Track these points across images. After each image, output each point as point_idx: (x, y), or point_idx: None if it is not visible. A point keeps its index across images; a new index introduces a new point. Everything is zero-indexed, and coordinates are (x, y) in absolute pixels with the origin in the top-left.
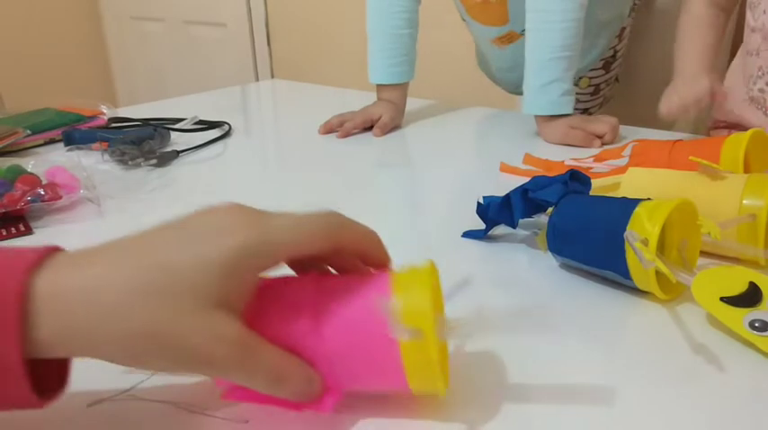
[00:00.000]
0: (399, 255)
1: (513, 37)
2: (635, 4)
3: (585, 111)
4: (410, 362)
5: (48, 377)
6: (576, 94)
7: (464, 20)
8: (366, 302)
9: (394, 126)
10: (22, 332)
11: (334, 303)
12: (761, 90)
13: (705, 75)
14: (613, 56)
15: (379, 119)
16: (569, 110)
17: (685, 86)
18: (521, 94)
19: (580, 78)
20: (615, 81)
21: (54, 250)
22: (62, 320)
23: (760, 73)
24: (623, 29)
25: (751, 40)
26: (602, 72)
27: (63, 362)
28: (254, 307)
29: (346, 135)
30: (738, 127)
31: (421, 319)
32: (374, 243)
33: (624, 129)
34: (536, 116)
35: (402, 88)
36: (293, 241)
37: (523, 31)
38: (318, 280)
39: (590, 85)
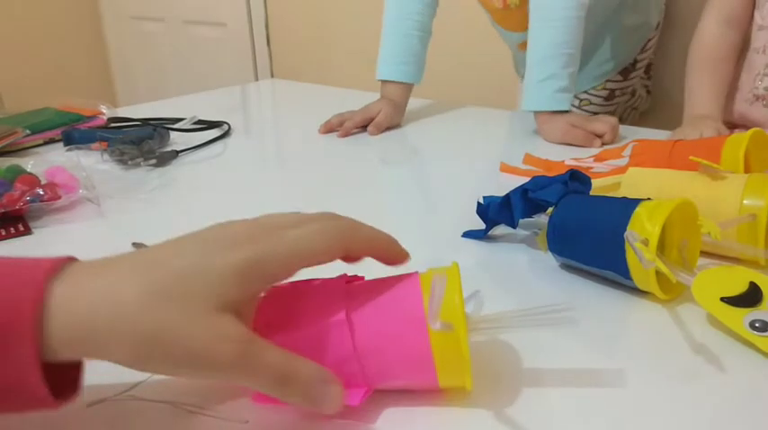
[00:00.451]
0: None
1: None
2: (660, 19)
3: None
4: (440, 356)
5: (63, 379)
6: (590, 95)
7: (493, 26)
8: (397, 299)
9: (391, 125)
10: (38, 336)
11: (365, 301)
12: (766, 89)
13: (709, 121)
14: (633, 63)
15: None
16: (565, 106)
17: (690, 131)
18: None
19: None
20: (647, 94)
21: (69, 260)
22: (76, 322)
23: (766, 71)
24: (649, 39)
25: (758, 37)
26: (620, 78)
27: (77, 366)
28: (284, 306)
29: (346, 134)
30: (743, 125)
31: (453, 313)
32: (388, 243)
33: (624, 129)
34: (535, 114)
35: (405, 88)
36: (308, 252)
37: None
38: (348, 280)
39: (605, 89)
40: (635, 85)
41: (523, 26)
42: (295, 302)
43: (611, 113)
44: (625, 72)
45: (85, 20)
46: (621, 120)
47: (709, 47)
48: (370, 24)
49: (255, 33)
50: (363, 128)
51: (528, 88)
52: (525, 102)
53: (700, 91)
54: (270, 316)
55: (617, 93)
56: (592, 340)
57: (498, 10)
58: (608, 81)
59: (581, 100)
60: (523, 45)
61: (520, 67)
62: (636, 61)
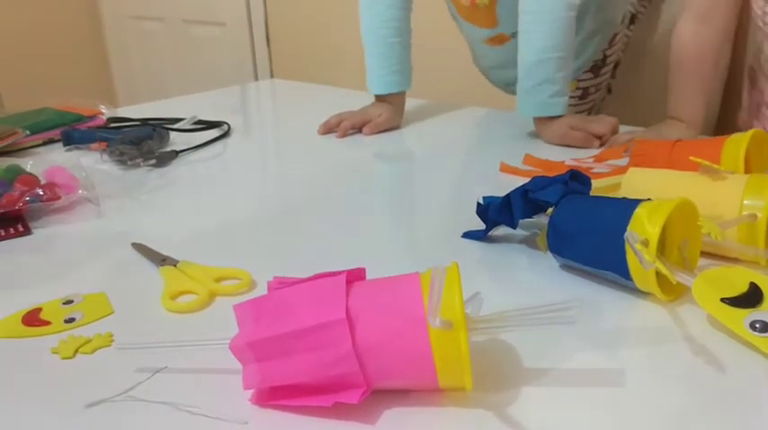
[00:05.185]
0: (400, 254)
1: (504, 39)
2: (633, 13)
3: None
4: (440, 356)
5: None
6: None
7: (455, 19)
8: (397, 298)
9: (389, 127)
10: None
11: (365, 300)
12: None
13: (676, 124)
14: (603, 59)
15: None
16: (561, 111)
17: (652, 134)
18: (513, 92)
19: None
20: (608, 93)
21: None
22: None
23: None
24: (615, 35)
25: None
26: (591, 76)
27: None
28: (285, 303)
29: (344, 134)
30: None
31: (453, 313)
32: None
33: (624, 130)
34: (534, 117)
35: (400, 95)
36: None
37: (513, 33)
38: (349, 278)
39: (578, 88)
40: (610, 73)
41: (491, 23)
42: (296, 299)
43: (588, 111)
44: (595, 69)
45: (85, 20)
46: None
47: (685, 48)
48: None
49: (255, 33)
50: (361, 129)
51: (522, 94)
52: (520, 107)
53: (675, 94)
54: (271, 312)
55: (591, 90)
56: (592, 340)
57: (465, 7)
58: (580, 80)
59: None
60: (490, 40)
61: (481, 60)
62: (605, 56)
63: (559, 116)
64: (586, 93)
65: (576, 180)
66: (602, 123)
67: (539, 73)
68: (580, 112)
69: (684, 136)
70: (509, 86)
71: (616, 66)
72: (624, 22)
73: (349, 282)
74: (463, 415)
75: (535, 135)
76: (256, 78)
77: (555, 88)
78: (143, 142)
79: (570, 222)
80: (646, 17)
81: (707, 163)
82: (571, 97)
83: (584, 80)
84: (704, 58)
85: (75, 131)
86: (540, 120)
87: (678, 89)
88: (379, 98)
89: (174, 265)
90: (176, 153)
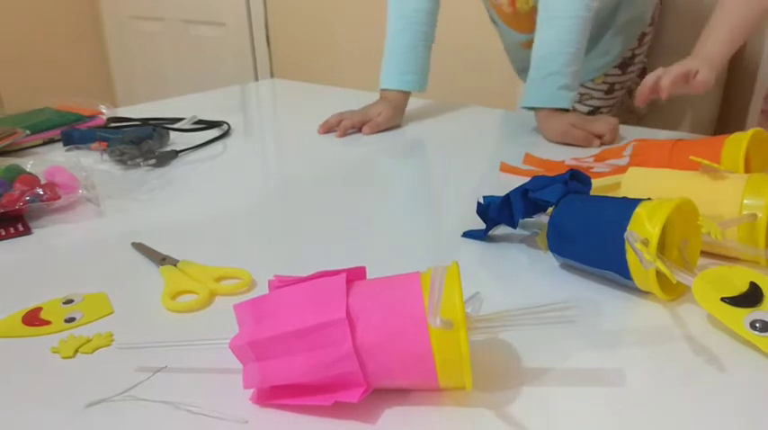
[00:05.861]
0: (400, 254)
1: None
2: (654, 15)
3: (597, 110)
4: (441, 356)
5: None
6: (590, 89)
7: (494, 24)
8: (397, 298)
9: (389, 126)
10: None
11: (366, 300)
12: None
13: (701, 59)
14: (631, 57)
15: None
16: (566, 104)
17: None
18: None
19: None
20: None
21: None
22: None
23: None
24: (644, 34)
25: None
26: (618, 72)
27: None
28: (285, 303)
29: (344, 134)
30: None
31: (453, 313)
32: None
33: (624, 130)
34: (537, 112)
35: (407, 94)
36: None
37: None
38: (350, 279)
39: (605, 83)
40: (633, 81)
41: (530, 28)
42: (296, 299)
43: (612, 107)
44: (623, 66)
45: (85, 20)
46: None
47: None
48: (370, 24)
49: (255, 33)
50: (361, 128)
51: (530, 84)
52: (526, 97)
53: (711, 31)
54: (271, 312)
55: (616, 87)
56: (592, 340)
57: (507, 14)
58: (607, 75)
59: (581, 94)
60: (528, 44)
61: (515, 62)
62: (634, 55)
63: (564, 112)
64: (612, 88)
65: (576, 179)
66: (602, 123)
67: (549, 64)
68: (604, 107)
69: (704, 70)
70: None
71: (643, 72)
72: (653, 24)
73: (349, 282)
74: (463, 414)
75: (535, 134)
76: (256, 78)
77: (564, 81)
78: (143, 142)
79: (570, 222)
80: (667, 21)
81: (707, 162)
82: (597, 90)
83: (612, 75)
84: (759, 6)
85: (75, 131)
86: (542, 115)
87: (716, 27)
88: (384, 95)
89: (174, 265)
90: (176, 153)
